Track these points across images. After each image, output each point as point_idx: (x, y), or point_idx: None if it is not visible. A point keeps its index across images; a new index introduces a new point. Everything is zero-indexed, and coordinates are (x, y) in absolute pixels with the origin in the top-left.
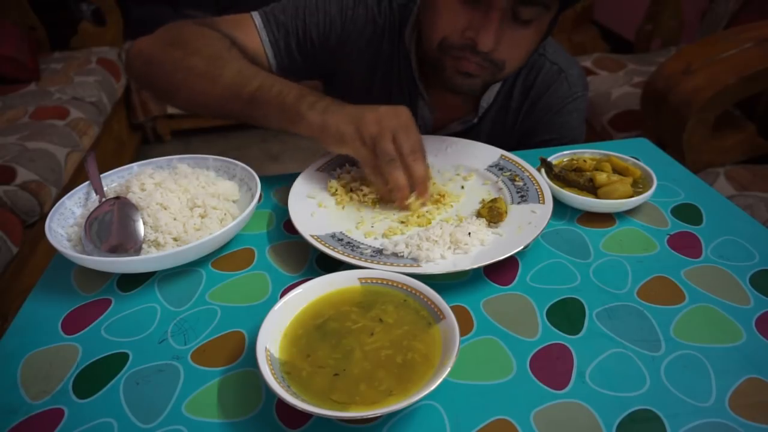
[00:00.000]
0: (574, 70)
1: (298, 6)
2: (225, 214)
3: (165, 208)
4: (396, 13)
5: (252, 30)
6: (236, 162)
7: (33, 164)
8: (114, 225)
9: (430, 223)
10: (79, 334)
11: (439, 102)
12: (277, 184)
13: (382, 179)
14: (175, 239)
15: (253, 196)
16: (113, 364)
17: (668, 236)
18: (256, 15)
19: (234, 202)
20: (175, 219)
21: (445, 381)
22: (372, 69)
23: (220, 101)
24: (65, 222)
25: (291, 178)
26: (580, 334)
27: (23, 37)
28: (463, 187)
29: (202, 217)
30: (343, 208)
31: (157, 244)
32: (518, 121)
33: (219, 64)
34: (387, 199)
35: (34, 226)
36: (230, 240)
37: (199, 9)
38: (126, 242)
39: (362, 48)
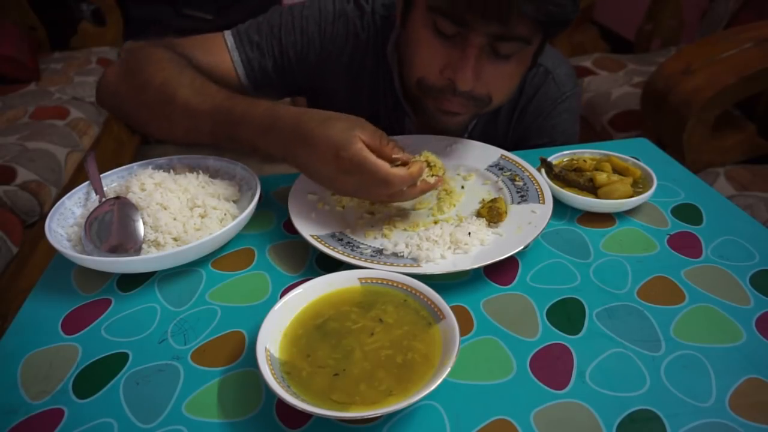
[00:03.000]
0: (561, 69)
1: (273, 25)
2: (225, 214)
3: (165, 208)
4: (379, 27)
5: (222, 50)
6: (236, 162)
7: (33, 164)
8: (114, 225)
9: (438, 220)
10: (79, 334)
11: (425, 120)
12: (277, 184)
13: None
14: (175, 239)
15: (253, 196)
16: (113, 364)
17: (668, 236)
18: (228, 35)
19: (234, 202)
20: (175, 219)
21: (445, 381)
22: (357, 86)
23: (187, 138)
24: (65, 222)
25: (291, 178)
26: (580, 334)
27: (23, 37)
28: (463, 187)
29: (202, 217)
30: (343, 208)
31: (157, 244)
32: (509, 129)
33: (169, 96)
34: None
35: (34, 226)
36: (230, 240)
37: (199, 9)
38: (126, 242)
39: (345, 65)
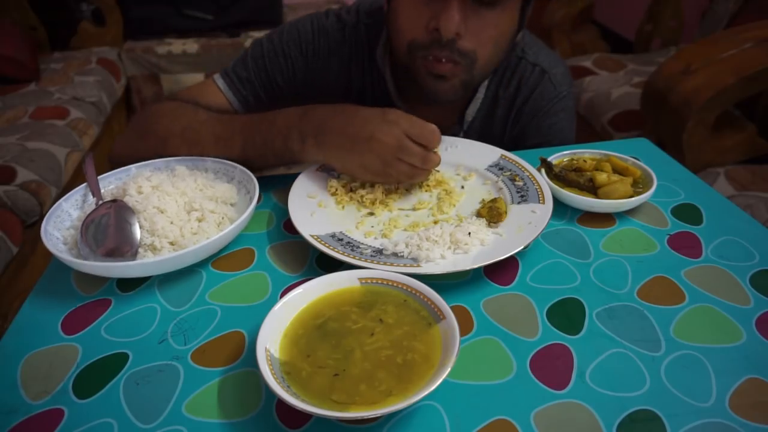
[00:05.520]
0: (558, 68)
1: (256, 57)
2: (223, 218)
3: (162, 212)
4: (363, 35)
5: (217, 93)
6: (235, 164)
7: (33, 164)
8: (111, 228)
9: (438, 220)
10: (79, 334)
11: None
12: (277, 184)
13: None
14: (171, 243)
15: (251, 199)
16: (113, 364)
17: (668, 236)
18: (218, 78)
19: (232, 205)
20: (172, 223)
21: (445, 381)
22: (345, 96)
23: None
24: (62, 225)
25: (291, 178)
26: (580, 334)
27: (23, 37)
28: (463, 187)
29: (200, 221)
30: (343, 208)
31: (153, 249)
32: (506, 129)
33: (194, 137)
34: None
35: (34, 226)
36: (228, 243)
37: (199, 9)
38: (122, 245)
39: (331, 79)
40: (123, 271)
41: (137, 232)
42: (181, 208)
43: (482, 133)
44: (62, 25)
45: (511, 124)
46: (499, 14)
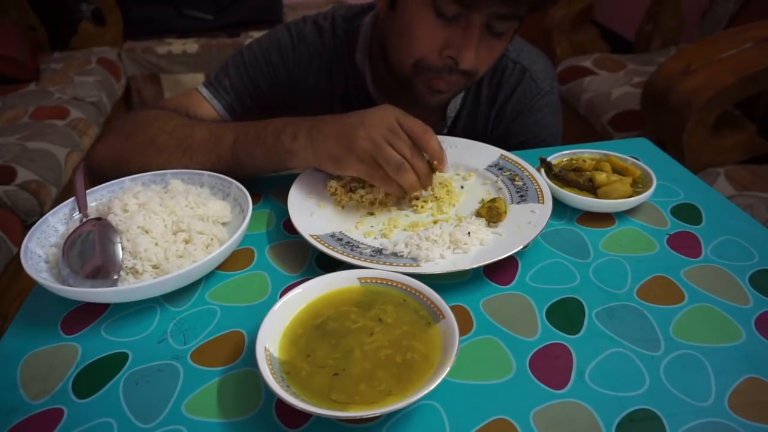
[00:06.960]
0: (539, 65)
1: (238, 65)
2: (212, 239)
3: (147, 232)
4: (342, 40)
5: (203, 102)
6: (231, 180)
7: (33, 164)
8: (96, 247)
9: (437, 220)
10: (78, 334)
11: None
12: (277, 184)
13: (394, 185)
14: (154, 267)
15: (244, 218)
16: (113, 364)
17: (668, 236)
18: (201, 88)
19: (223, 224)
20: (156, 244)
21: (444, 381)
22: (328, 100)
23: (206, 168)
24: (46, 241)
25: (291, 178)
26: (580, 334)
27: (23, 37)
28: (462, 187)
29: (186, 242)
30: (342, 208)
31: (135, 272)
32: (490, 128)
33: (186, 133)
34: (402, 199)
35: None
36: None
37: (199, 9)
38: (107, 266)
39: (312, 84)
40: (96, 297)
41: (119, 254)
42: (168, 228)
43: (467, 129)
44: (62, 25)
45: (493, 122)
46: (503, 40)
